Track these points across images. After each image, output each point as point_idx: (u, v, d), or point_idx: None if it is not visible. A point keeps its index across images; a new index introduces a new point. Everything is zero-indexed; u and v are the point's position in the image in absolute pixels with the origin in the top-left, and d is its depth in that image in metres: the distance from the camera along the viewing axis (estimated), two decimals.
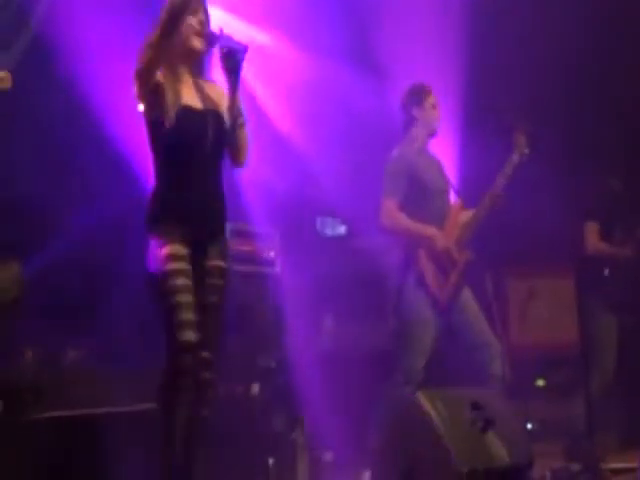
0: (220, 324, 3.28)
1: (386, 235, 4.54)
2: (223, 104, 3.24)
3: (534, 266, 6.25)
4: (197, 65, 3.29)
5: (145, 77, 3.08)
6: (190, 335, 2.94)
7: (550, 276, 6.15)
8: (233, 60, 3.10)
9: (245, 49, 3.10)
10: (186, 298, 2.98)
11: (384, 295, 4.90)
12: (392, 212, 4.27)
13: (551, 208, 5.35)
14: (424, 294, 4.19)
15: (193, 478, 3.15)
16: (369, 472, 3.93)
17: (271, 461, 4.28)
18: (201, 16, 3.23)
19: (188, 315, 2.97)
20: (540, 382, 5.99)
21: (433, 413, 3.46)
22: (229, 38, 3.13)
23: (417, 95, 4.42)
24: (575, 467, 4.18)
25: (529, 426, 4.57)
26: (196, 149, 3.14)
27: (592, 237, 4.94)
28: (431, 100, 4.43)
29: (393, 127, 4.74)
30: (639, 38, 5.95)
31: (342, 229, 4.94)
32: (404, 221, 4.27)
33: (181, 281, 2.99)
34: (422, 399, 3.54)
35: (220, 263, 3.19)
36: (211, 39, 3.19)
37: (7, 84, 2.89)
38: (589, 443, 4.32)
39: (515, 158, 4.33)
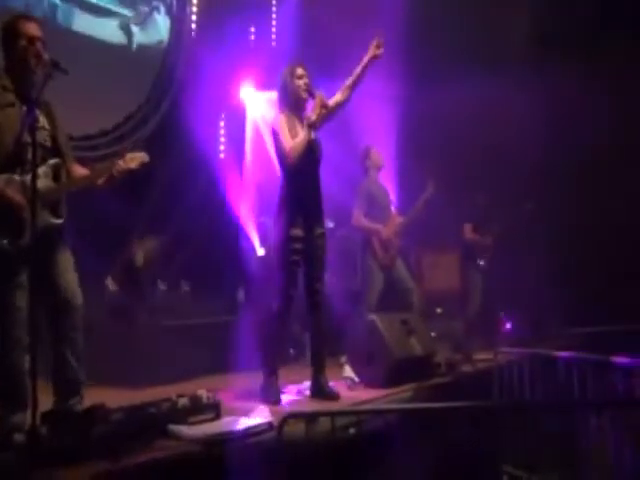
0: None
1: (356, 229, 4.90)
2: None
3: (436, 247, 6.35)
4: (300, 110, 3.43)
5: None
6: None
7: (445, 252, 6.26)
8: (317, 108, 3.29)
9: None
10: None
11: (354, 261, 5.28)
12: (359, 217, 4.75)
13: (445, 216, 5.53)
14: (375, 261, 4.77)
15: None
16: (345, 357, 4.06)
17: (292, 350, 4.85)
18: (305, 78, 3.36)
19: None
20: (439, 310, 6.20)
21: (381, 326, 3.83)
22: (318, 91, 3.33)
23: (365, 153, 4.90)
24: (457, 356, 4.31)
25: (432, 334, 4.67)
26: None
27: (468, 231, 5.52)
28: (375, 155, 4.88)
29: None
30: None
31: (331, 224, 5.03)
32: (365, 222, 4.76)
33: None
34: (375, 318, 3.92)
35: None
36: (311, 92, 3.36)
37: (146, 159, 2.68)
38: (466, 344, 4.80)
39: (425, 195, 4.94)
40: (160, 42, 5.83)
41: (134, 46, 5.57)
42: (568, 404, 2.83)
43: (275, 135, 3.38)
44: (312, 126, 3.32)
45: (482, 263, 5.43)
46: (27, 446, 2.08)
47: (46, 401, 2.41)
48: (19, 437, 2.23)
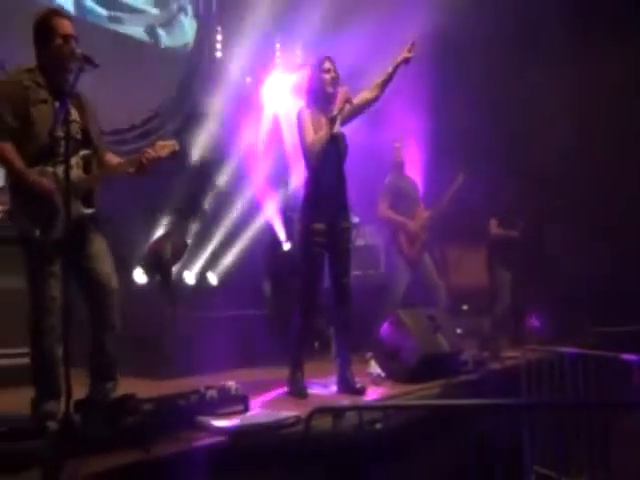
0: None
1: (382, 222, 4.87)
2: None
3: (462, 242, 6.28)
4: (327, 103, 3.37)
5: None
6: None
7: (472, 248, 6.10)
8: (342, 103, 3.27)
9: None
10: None
11: (379, 255, 5.24)
12: (385, 210, 4.75)
13: (473, 210, 5.49)
14: (401, 256, 4.72)
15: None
16: (370, 352, 4.08)
17: (316, 344, 4.91)
18: (332, 72, 3.37)
19: None
20: (465, 306, 6.19)
21: (407, 321, 3.86)
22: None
23: (396, 149, 4.88)
24: (485, 354, 4.33)
25: (458, 331, 4.64)
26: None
27: (493, 227, 5.33)
28: (396, 150, 4.86)
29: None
30: None
31: (357, 218, 4.92)
32: (391, 214, 4.74)
33: None
34: (401, 313, 3.95)
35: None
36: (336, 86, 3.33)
37: (177, 148, 2.71)
38: (493, 341, 4.75)
39: (454, 186, 4.85)
40: (186, 45, 5.86)
41: (161, 45, 5.63)
42: (599, 403, 2.75)
43: (299, 130, 3.37)
44: (333, 120, 3.29)
45: (510, 261, 5.29)
46: (60, 434, 2.11)
47: (79, 389, 2.45)
48: (52, 425, 2.26)
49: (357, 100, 3.45)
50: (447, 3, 5.37)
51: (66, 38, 2.59)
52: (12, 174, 2.54)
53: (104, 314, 2.64)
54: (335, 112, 3.29)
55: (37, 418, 2.45)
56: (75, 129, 2.63)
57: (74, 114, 2.63)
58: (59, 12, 2.71)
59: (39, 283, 2.51)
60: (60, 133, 2.48)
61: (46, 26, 2.60)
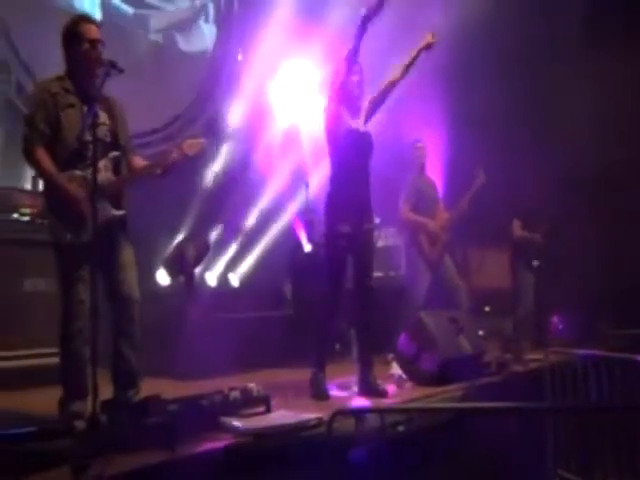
0: None
1: (403, 223, 4.84)
2: None
3: (484, 243, 6.22)
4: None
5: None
6: None
7: (493, 249, 6.06)
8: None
9: None
10: None
11: (400, 257, 5.20)
12: (406, 211, 4.73)
13: (494, 210, 5.40)
14: (422, 257, 4.70)
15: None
16: (392, 354, 4.07)
17: (337, 345, 4.80)
18: (359, 76, 3.40)
19: None
20: (487, 308, 6.13)
21: (429, 323, 3.83)
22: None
23: (412, 148, 4.89)
24: (508, 356, 4.29)
25: (480, 332, 4.59)
26: None
27: (517, 228, 5.29)
28: (418, 150, 4.86)
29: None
30: None
31: (377, 219, 4.55)
32: (413, 216, 4.73)
33: None
34: (423, 315, 3.92)
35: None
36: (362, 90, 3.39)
37: (205, 146, 2.77)
38: (516, 344, 4.70)
39: (475, 186, 4.87)
40: (205, 50, 5.91)
41: (182, 49, 5.69)
42: (625, 407, 2.70)
43: (329, 123, 3.36)
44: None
45: (536, 263, 5.23)
46: (87, 434, 2.15)
47: (106, 390, 2.50)
48: (80, 424, 2.30)
49: (381, 86, 3.51)
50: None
51: (93, 43, 2.65)
52: (43, 178, 2.64)
53: (124, 325, 2.69)
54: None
55: (65, 418, 2.51)
56: (103, 132, 2.69)
57: (103, 117, 2.70)
58: (86, 18, 2.79)
59: (68, 287, 2.58)
60: (88, 137, 2.52)
61: (74, 32, 2.67)
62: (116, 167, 2.71)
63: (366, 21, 3.13)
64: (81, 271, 2.56)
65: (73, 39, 2.66)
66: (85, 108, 2.59)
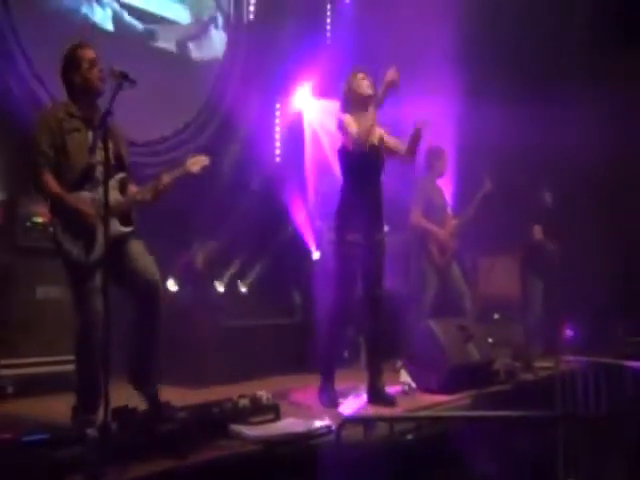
0: None
1: (413, 229, 4.76)
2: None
3: (493, 250, 6.06)
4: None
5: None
6: None
7: (503, 255, 5.98)
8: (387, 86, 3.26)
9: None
10: None
11: (408, 263, 5.05)
12: (418, 216, 4.69)
13: (502, 217, 5.36)
14: (431, 264, 4.70)
15: None
16: (401, 362, 4.11)
17: (346, 353, 4.84)
18: (368, 80, 3.41)
19: None
20: (496, 315, 6.02)
21: (437, 331, 3.82)
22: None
23: (436, 154, 4.82)
24: (517, 364, 4.26)
25: (490, 340, 4.45)
26: None
27: (537, 233, 5.23)
28: (445, 159, 4.84)
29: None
30: None
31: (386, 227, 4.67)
32: (425, 222, 4.69)
33: None
34: (432, 323, 3.92)
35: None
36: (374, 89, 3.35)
37: (207, 163, 2.85)
38: (526, 350, 4.69)
39: (482, 192, 4.83)
40: (216, 58, 5.96)
41: (192, 58, 5.73)
42: (635, 415, 2.69)
43: (341, 130, 3.36)
44: (377, 103, 3.30)
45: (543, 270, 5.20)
46: (99, 441, 2.18)
47: (118, 398, 2.51)
48: (92, 432, 2.33)
49: (389, 144, 3.51)
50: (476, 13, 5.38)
51: (92, 62, 2.76)
52: (53, 200, 2.70)
53: (151, 308, 2.72)
54: (379, 94, 3.31)
55: (77, 425, 2.55)
56: (109, 154, 2.74)
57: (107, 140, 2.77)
58: (82, 44, 2.87)
59: (81, 298, 2.65)
60: (97, 158, 2.63)
61: (71, 57, 2.79)
62: (122, 187, 2.81)
63: (378, 102, 3.27)
64: (93, 282, 2.62)
65: (72, 64, 2.77)
66: (90, 132, 2.71)
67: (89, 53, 2.77)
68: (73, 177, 2.68)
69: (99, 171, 2.64)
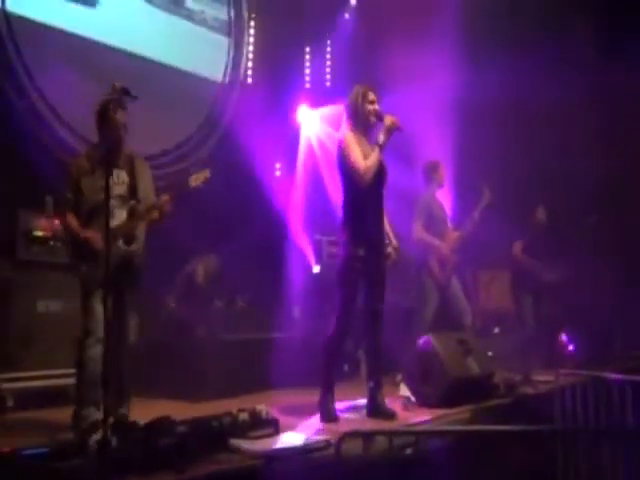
0: None
1: (415, 244, 4.75)
2: None
3: (492, 264, 6.19)
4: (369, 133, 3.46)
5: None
6: None
7: (500, 270, 6.03)
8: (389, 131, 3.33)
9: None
10: None
11: (408, 278, 5.07)
12: (420, 231, 4.71)
13: (498, 236, 5.36)
14: (432, 279, 4.72)
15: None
16: (400, 375, 4.11)
17: (346, 366, 4.91)
18: (376, 104, 3.43)
19: None
20: (496, 329, 6.06)
21: (437, 345, 3.82)
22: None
23: (433, 167, 4.88)
24: (517, 377, 4.28)
25: (490, 353, 4.49)
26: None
27: (517, 250, 5.39)
28: (442, 171, 4.89)
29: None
30: None
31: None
32: (427, 236, 4.72)
33: None
34: (431, 337, 3.91)
35: None
36: (380, 117, 3.39)
37: (209, 175, 3.03)
38: (525, 364, 4.68)
39: (482, 204, 4.85)
40: (217, 71, 6.02)
41: (193, 71, 5.77)
42: (636, 429, 2.70)
43: (345, 153, 3.37)
44: (382, 148, 3.35)
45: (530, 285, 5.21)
46: (98, 455, 2.21)
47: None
48: (94, 439, 2.34)
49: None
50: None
51: (124, 127, 3.11)
52: (70, 234, 3.14)
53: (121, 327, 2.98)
54: (383, 139, 3.35)
55: (79, 433, 2.61)
56: (122, 189, 3.12)
57: (122, 176, 3.12)
58: (119, 104, 2.98)
59: (86, 309, 2.90)
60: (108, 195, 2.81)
61: (107, 116, 3.06)
62: (132, 213, 3.12)
63: (382, 148, 3.34)
64: (98, 295, 2.84)
65: (107, 122, 3.05)
66: (101, 172, 2.96)
67: (123, 117, 3.07)
68: (87, 212, 3.10)
69: (113, 205, 2.92)
